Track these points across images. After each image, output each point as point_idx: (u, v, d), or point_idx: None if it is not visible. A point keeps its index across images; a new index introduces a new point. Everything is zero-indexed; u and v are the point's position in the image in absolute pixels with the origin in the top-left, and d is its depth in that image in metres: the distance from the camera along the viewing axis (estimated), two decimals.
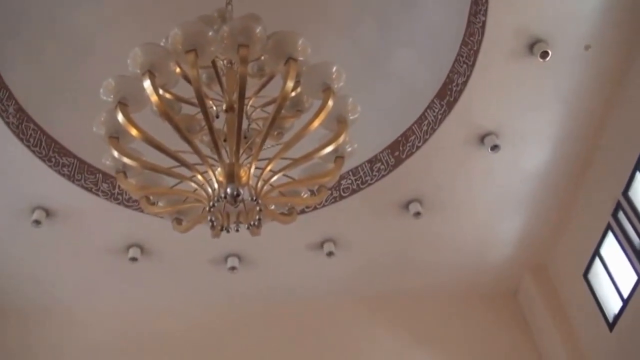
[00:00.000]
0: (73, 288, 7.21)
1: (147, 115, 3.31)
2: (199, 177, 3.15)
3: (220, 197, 3.01)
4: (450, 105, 5.86)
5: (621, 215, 6.13)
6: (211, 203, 3.05)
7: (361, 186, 6.53)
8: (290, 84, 2.98)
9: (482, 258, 7.51)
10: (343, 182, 6.55)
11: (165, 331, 7.38)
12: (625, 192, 6.01)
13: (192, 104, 3.43)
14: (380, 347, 7.46)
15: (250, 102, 3.67)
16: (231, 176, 3.05)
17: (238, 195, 2.99)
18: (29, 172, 5.89)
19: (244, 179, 3.09)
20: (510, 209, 6.92)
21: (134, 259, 6.73)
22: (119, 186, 6.15)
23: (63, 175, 6.01)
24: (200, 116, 3.29)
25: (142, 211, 6.16)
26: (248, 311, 7.58)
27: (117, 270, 7.00)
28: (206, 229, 3.27)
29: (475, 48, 5.45)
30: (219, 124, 3.47)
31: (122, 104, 2.97)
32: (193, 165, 3.13)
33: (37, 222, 6.15)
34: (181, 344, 7.31)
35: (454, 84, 5.80)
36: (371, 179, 6.51)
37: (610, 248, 6.44)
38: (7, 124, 5.56)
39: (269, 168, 3.19)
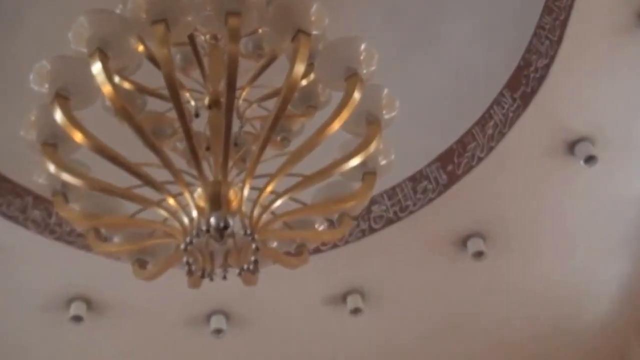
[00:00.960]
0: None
1: (98, 117, 3.30)
2: (171, 201, 3.13)
3: (201, 231, 2.99)
4: (527, 100, 5.83)
5: None
6: (188, 239, 3.02)
7: (400, 214, 6.51)
8: (299, 68, 2.96)
9: (571, 315, 7.51)
10: (375, 208, 6.54)
11: None
12: None
13: (161, 96, 3.42)
14: None
15: (243, 95, 3.67)
16: (216, 200, 3.03)
17: (226, 227, 2.96)
18: None
19: (234, 203, 3.08)
20: (612, 245, 6.89)
21: (77, 318, 6.69)
22: (57, 214, 6.17)
23: None
24: (172, 114, 3.27)
25: (89, 250, 6.18)
26: None
27: (54, 333, 6.99)
28: (181, 276, 3.24)
29: (562, 17, 5.42)
30: (200, 125, 3.46)
31: (62, 97, 2.96)
32: (162, 184, 3.11)
33: None
34: None
35: (532, 68, 5.77)
36: (414, 205, 6.49)
37: None
38: None
39: (269, 188, 3.16)
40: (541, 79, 5.72)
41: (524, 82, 5.87)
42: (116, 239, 3.45)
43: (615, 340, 7.73)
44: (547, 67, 5.65)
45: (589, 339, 7.68)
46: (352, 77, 3.08)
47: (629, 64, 5.64)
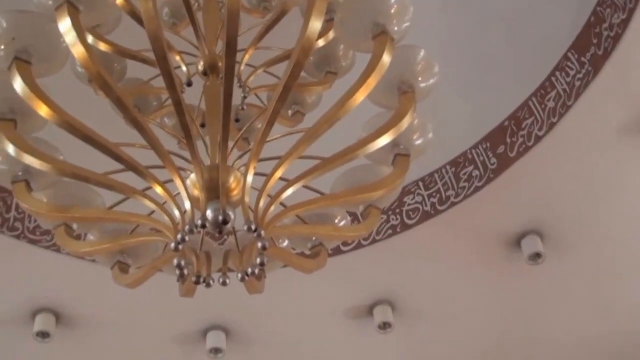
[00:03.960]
0: None
1: (68, 85, 3.30)
2: (158, 190, 3.13)
3: (195, 226, 2.99)
4: (598, 65, 5.80)
5: None
6: (179, 236, 3.02)
7: (439, 207, 6.51)
8: (315, 24, 2.94)
9: None
10: (408, 199, 6.54)
11: None
12: None
13: (145, 61, 3.42)
14: None
15: (246, 58, 3.66)
16: (214, 188, 3.04)
17: (225, 221, 2.96)
18: None
19: (236, 192, 3.08)
20: None
21: (44, 334, 6.73)
22: (18, 206, 6.19)
23: None
24: (159, 82, 3.27)
25: (58, 250, 6.22)
26: None
27: (17, 349, 7.04)
28: (172, 283, 3.25)
29: None
30: (193, 95, 3.46)
31: (23, 61, 2.96)
32: (147, 169, 3.11)
33: None
34: None
35: (605, 25, 5.74)
36: (456, 195, 6.50)
37: None
38: None
39: (278, 174, 3.16)
40: (616, 40, 5.69)
41: (595, 43, 5.84)
42: (91, 237, 3.45)
43: None
44: (625, 23, 5.61)
45: None
46: (380, 36, 3.06)
47: None
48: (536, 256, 6.62)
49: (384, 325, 6.96)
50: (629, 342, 7.54)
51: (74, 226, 3.43)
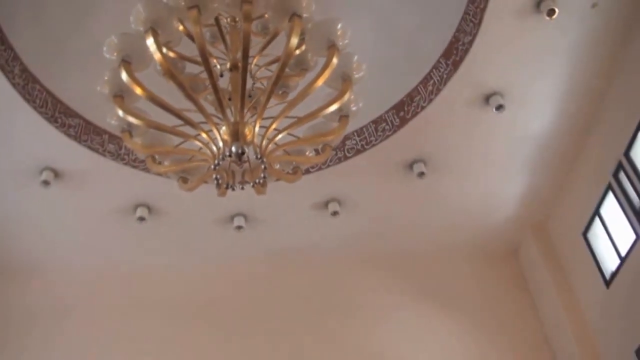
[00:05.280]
0: (81, 248, 7.24)
1: (151, 76, 3.26)
2: (204, 135, 3.13)
3: (225, 155, 2.99)
4: (456, 65, 5.76)
5: (622, 175, 6.12)
6: (216, 161, 3.03)
7: (366, 146, 6.48)
8: (294, 40, 2.93)
9: (485, 218, 7.51)
10: (348, 142, 6.50)
11: (171, 291, 7.41)
12: (627, 153, 5.98)
13: (196, 62, 3.38)
14: (382, 304, 7.51)
15: (255, 61, 3.64)
16: (236, 135, 3.04)
17: (243, 153, 2.97)
18: (36, 133, 5.84)
19: (249, 137, 3.08)
20: (513, 169, 6.89)
21: (141, 219, 6.73)
22: (126, 147, 6.14)
23: (69, 136, 5.98)
24: (204, 75, 3.24)
25: (148, 171, 6.18)
26: (253, 270, 7.61)
27: (124, 232, 7.02)
28: (212, 189, 3.25)
29: (482, 6, 5.32)
30: (224, 83, 3.43)
31: (126, 62, 2.93)
32: (198, 124, 3.10)
33: (45, 183, 6.14)
34: (186, 302, 7.35)
35: (460, 42, 5.69)
36: (376, 140, 6.46)
37: (610, 208, 6.45)
38: (14, 85, 5.50)
39: (273, 126, 3.16)
40: (466, 51, 5.65)
41: (455, 53, 5.79)
42: (166, 163, 3.44)
43: (513, 235, 7.81)
44: (471, 42, 5.57)
45: (496, 235, 7.73)
46: (332, 47, 3.05)
47: (528, 40, 5.56)
48: (421, 174, 6.57)
49: (334, 214, 6.95)
50: (476, 228, 7.65)
51: (156, 157, 3.43)
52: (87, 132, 6.09)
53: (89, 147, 6.09)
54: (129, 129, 3.28)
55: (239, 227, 7.03)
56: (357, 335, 7.27)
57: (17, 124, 5.77)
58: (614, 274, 6.33)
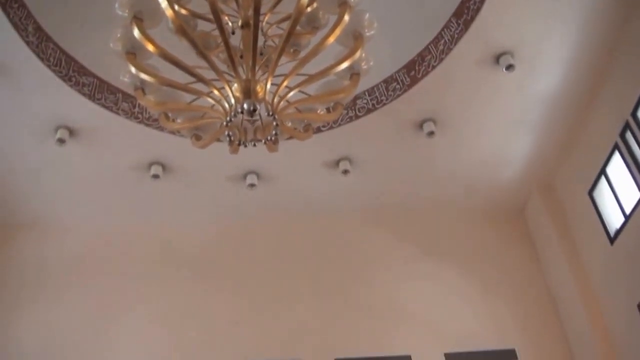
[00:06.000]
0: (95, 205, 7.31)
1: (163, 34, 3.24)
2: (216, 92, 3.12)
3: (237, 112, 2.98)
4: (467, 24, 5.68)
5: (629, 135, 6.10)
6: (228, 118, 3.03)
7: (376, 106, 6.44)
8: None
9: (492, 176, 7.49)
10: (359, 101, 6.46)
11: (183, 247, 7.49)
12: (634, 113, 5.95)
13: (207, 19, 3.36)
14: (389, 258, 7.59)
15: (266, 19, 3.59)
16: (248, 92, 3.03)
17: (255, 110, 2.97)
18: (50, 91, 5.84)
19: (260, 94, 3.07)
20: (521, 128, 6.85)
21: (155, 176, 6.76)
22: (139, 105, 6.14)
23: (84, 94, 5.97)
24: (216, 33, 3.21)
25: (162, 129, 6.19)
26: (265, 227, 7.66)
27: (137, 189, 7.07)
28: (225, 148, 3.25)
29: None
30: (235, 40, 3.40)
31: (138, 19, 2.91)
32: (210, 81, 3.09)
33: (61, 141, 6.17)
34: (198, 259, 7.44)
35: (471, 2, 5.59)
36: (386, 99, 6.41)
37: (616, 167, 6.44)
38: (27, 43, 5.48)
39: (284, 84, 3.15)
40: (478, 10, 5.55)
41: (466, 12, 5.69)
42: (179, 120, 3.44)
43: (519, 194, 7.80)
44: (482, 1, 5.48)
45: (503, 193, 7.72)
46: (343, 5, 3.02)
47: (538, 1, 5.48)
48: (431, 134, 6.55)
49: (345, 172, 6.96)
50: (484, 186, 7.61)
51: (169, 114, 3.43)
52: (101, 91, 6.09)
53: (103, 106, 6.09)
54: (142, 86, 3.27)
55: (252, 185, 7.04)
56: (368, 288, 7.35)
57: (31, 82, 5.76)
58: (618, 232, 6.37)
